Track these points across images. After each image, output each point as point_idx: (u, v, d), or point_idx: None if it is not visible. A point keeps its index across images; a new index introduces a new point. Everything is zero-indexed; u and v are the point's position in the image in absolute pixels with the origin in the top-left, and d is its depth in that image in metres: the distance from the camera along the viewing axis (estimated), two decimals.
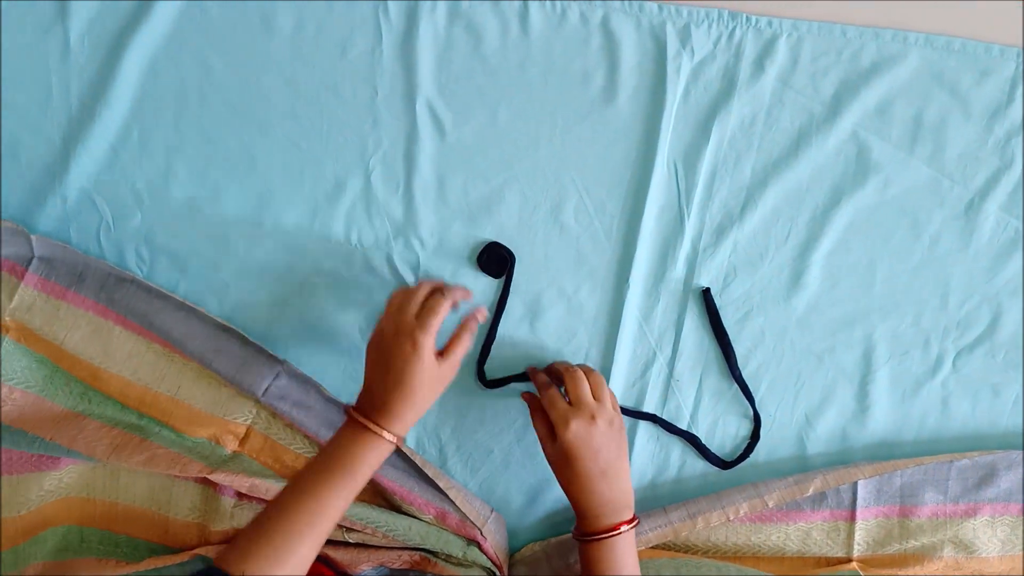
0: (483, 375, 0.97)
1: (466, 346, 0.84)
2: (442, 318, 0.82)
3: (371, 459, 0.80)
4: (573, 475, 0.85)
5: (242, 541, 0.75)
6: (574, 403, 0.86)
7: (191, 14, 0.91)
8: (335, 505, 0.79)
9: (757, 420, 0.97)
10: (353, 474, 0.79)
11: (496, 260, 0.95)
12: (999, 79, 0.90)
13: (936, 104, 0.91)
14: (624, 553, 0.85)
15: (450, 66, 0.91)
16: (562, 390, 0.88)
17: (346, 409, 0.82)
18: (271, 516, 0.77)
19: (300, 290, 0.96)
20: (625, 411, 0.97)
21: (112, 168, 0.94)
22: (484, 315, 0.89)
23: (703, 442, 0.98)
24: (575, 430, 0.84)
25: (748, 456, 0.98)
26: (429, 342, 0.81)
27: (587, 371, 0.90)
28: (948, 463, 0.96)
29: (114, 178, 0.94)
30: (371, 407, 0.81)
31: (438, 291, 0.85)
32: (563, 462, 0.85)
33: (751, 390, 0.97)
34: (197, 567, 0.90)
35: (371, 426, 0.79)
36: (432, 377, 0.81)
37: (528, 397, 0.92)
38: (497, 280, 0.95)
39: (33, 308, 0.91)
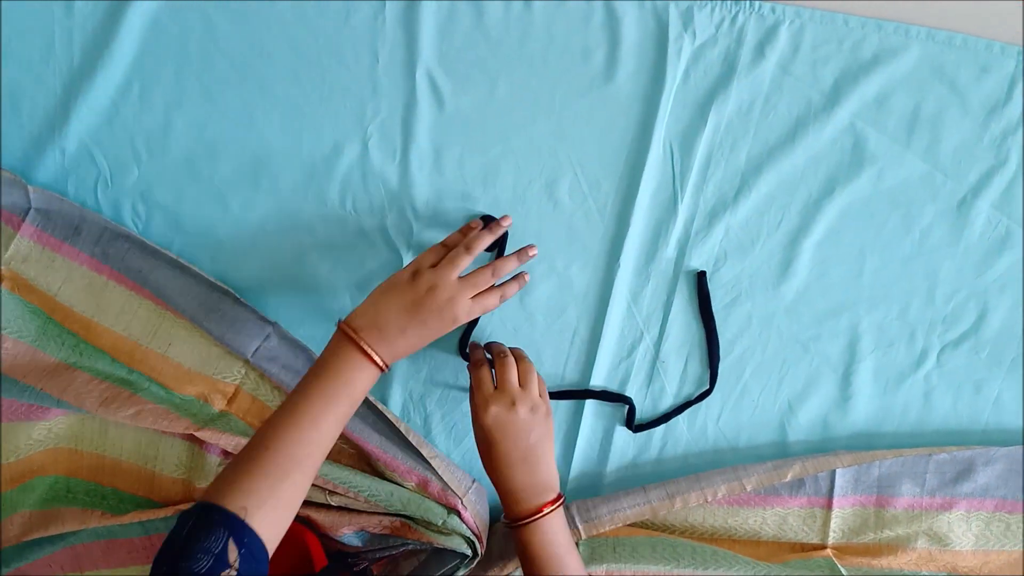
0: (464, 350, 0.98)
1: (488, 306, 0.84)
2: (481, 282, 0.84)
3: (367, 384, 0.81)
4: (493, 458, 0.86)
5: (238, 475, 0.74)
6: (499, 387, 0.87)
7: None
8: (334, 431, 0.79)
9: (701, 397, 0.99)
10: (353, 400, 0.80)
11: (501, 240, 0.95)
12: (999, 76, 0.90)
13: (934, 98, 0.91)
14: (553, 533, 0.85)
15: (452, 37, 0.91)
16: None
17: (341, 326, 0.82)
18: (268, 446, 0.75)
19: (293, 253, 0.97)
20: (557, 394, 0.99)
21: (112, 122, 0.94)
22: (525, 280, 0.90)
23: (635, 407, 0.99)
24: (494, 414, 0.85)
25: (661, 423, 0.99)
26: (467, 307, 0.83)
27: (518, 356, 0.91)
28: (927, 456, 0.97)
29: (113, 132, 0.94)
30: (372, 331, 0.81)
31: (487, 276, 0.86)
32: (484, 445, 0.87)
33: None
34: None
35: (371, 352, 0.79)
36: (448, 326, 0.83)
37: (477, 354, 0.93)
38: (489, 254, 0.95)
39: (28, 259, 0.92)
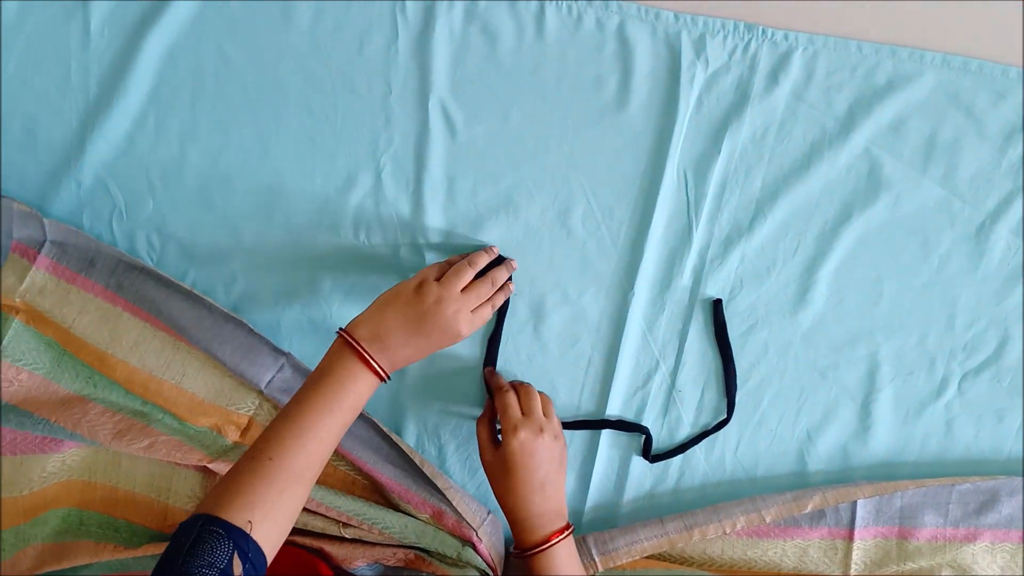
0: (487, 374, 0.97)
1: (484, 317, 0.87)
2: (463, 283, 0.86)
3: (368, 392, 0.81)
4: (511, 484, 0.85)
5: (240, 486, 0.73)
6: (526, 414, 0.87)
7: (211, 4, 0.92)
8: (335, 440, 0.79)
9: (719, 426, 0.97)
10: (355, 409, 0.80)
11: (492, 263, 0.95)
12: (1015, 102, 0.89)
13: (951, 124, 0.90)
14: (564, 562, 0.85)
15: (464, 66, 0.91)
16: None
17: (342, 334, 0.82)
18: (271, 456, 0.74)
19: (306, 284, 0.97)
20: (573, 424, 0.98)
21: (127, 154, 0.95)
22: (511, 290, 0.93)
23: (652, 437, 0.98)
24: (523, 439, 0.85)
25: (678, 453, 0.98)
26: (468, 321, 0.84)
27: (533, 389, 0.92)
28: (949, 486, 0.95)
29: (128, 164, 0.95)
30: (373, 341, 0.81)
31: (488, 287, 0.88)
32: (503, 470, 0.86)
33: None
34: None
35: (373, 361, 0.80)
36: (447, 341, 0.84)
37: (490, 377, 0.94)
38: None
39: (44, 291, 0.92)
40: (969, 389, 0.96)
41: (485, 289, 0.87)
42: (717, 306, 0.94)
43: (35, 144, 0.94)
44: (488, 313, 0.87)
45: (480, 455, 0.89)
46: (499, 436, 0.90)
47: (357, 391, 0.80)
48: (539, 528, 0.85)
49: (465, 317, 0.84)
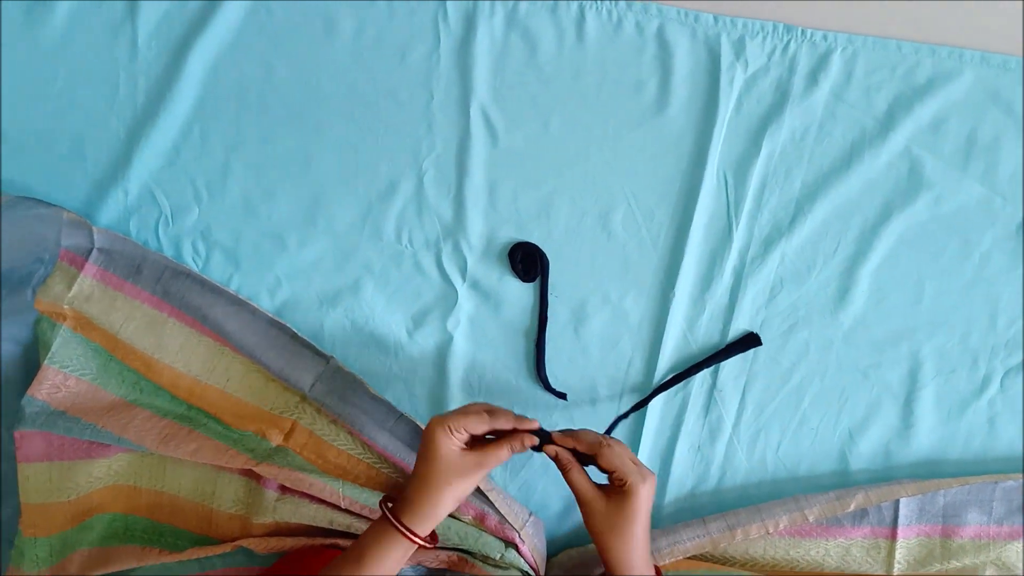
0: (546, 380, 0.98)
1: (501, 456, 0.81)
2: (471, 422, 0.80)
3: (399, 556, 0.80)
4: (630, 533, 0.82)
5: None
6: (637, 465, 0.83)
7: (255, 17, 0.93)
8: None
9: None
10: (387, 573, 0.80)
11: (528, 260, 0.96)
12: None
13: (990, 122, 0.90)
14: None
15: (505, 72, 0.92)
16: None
17: (381, 504, 0.82)
18: None
19: (349, 288, 0.98)
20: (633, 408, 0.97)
21: (173, 164, 0.96)
22: (533, 441, 0.83)
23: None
24: (651, 488, 0.82)
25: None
26: (441, 435, 0.80)
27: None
28: (993, 484, 0.95)
29: (174, 174, 0.96)
30: (401, 503, 0.81)
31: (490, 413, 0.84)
32: (624, 520, 0.82)
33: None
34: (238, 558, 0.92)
35: (399, 527, 0.79)
36: (449, 468, 0.80)
37: (559, 452, 0.84)
38: (534, 284, 0.96)
39: (91, 298, 0.93)
40: (1011, 386, 0.96)
41: (474, 408, 0.83)
42: (752, 339, 0.96)
43: (83, 154, 0.96)
44: (505, 454, 0.82)
45: (586, 507, 0.82)
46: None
47: (389, 555, 0.80)
48: (642, 569, 0.83)
49: (438, 430, 0.80)
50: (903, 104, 0.90)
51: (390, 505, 0.81)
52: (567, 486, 0.83)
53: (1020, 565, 0.95)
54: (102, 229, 0.94)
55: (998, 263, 0.93)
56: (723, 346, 0.97)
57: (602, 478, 0.83)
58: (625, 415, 0.97)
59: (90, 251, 0.93)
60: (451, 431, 0.80)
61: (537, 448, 0.84)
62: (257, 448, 0.94)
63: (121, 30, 0.94)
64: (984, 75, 0.89)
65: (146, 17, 0.93)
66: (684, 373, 0.96)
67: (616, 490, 0.81)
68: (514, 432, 0.83)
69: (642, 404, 0.97)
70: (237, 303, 0.95)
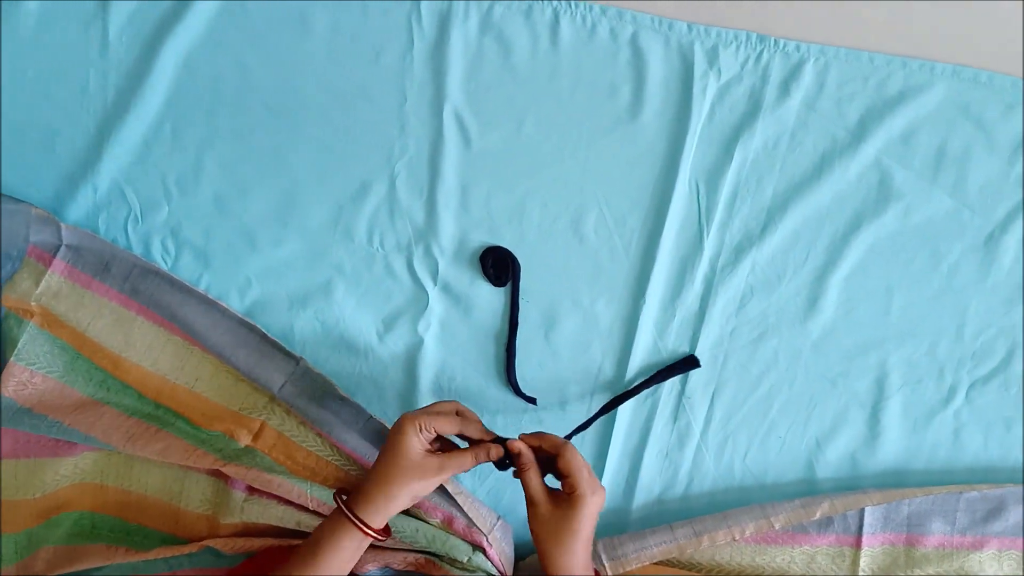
0: (516, 384, 0.98)
1: (464, 464, 0.82)
2: (441, 423, 0.81)
3: (353, 548, 0.81)
4: (570, 542, 0.82)
5: None
6: (590, 474, 0.83)
7: (229, 13, 0.92)
8: None
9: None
10: (340, 566, 0.81)
11: (500, 264, 0.95)
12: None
13: (961, 135, 0.91)
14: None
15: (479, 75, 0.92)
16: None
17: (335, 495, 0.82)
18: None
19: (321, 290, 0.97)
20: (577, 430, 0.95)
21: (143, 160, 0.95)
22: (499, 453, 0.84)
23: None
24: (600, 500, 0.82)
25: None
26: (410, 430, 0.80)
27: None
28: (957, 494, 0.95)
29: (145, 170, 0.95)
30: (355, 494, 0.82)
31: (459, 413, 0.85)
32: (567, 528, 0.82)
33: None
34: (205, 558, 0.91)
35: (351, 518, 0.80)
36: (410, 466, 0.80)
37: (522, 450, 0.84)
38: (505, 288, 0.96)
39: (59, 295, 0.92)
40: (977, 397, 0.97)
41: (443, 408, 0.85)
42: (690, 362, 0.96)
43: (53, 149, 0.95)
44: (468, 461, 0.82)
45: (533, 508, 0.82)
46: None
47: (343, 545, 0.81)
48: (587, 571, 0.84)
49: (406, 421, 0.81)
50: (874, 115, 0.91)
51: (344, 497, 0.81)
52: None
53: (982, 575, 0.95)
54: (70, 226, 0.93)
55: (966, 274, 0.94)
56: (667, 364, 0.97)
57: (556, 484, 0.83)
58: (570, 435, 0.94)
59: (58, 248, 0.92)
60: (421, 428, 0.80)
61: (500, 465, 0.85)
62: (225, 448, 0.93)
63: (92, 25, 0.92)
64: (955, 88, 0.90)
65: (117, 12, 0.92)
66: (622, 396, 0.96)
67: (565, 498, 0.82)
68: (480, 442, 0.84)
69: (583, 427, 0.95)
70: (207, 302, 0.94)
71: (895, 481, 0.98)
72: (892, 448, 0.98)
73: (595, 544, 0.96)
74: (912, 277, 0.94)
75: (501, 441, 0.84)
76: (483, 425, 0.86)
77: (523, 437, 0.84)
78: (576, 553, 0.82)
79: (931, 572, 0.96)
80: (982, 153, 0.91)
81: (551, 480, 0.84)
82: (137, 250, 0.97)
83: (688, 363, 0.97)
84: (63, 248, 0.92)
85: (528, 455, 0.83)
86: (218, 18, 0.93)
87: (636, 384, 0.96)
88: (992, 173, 0.92)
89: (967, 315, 0.95)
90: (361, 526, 0.80)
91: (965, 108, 0.90)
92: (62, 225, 0.92)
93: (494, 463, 0.84)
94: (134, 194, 0.96)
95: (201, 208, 0.96)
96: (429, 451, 0.82)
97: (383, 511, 0.81)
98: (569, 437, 0.93)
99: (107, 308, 0.93)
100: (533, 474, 0.83)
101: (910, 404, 0.97)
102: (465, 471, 0.83)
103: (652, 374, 0.96)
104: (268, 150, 0.95)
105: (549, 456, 0.84)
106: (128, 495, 0.97)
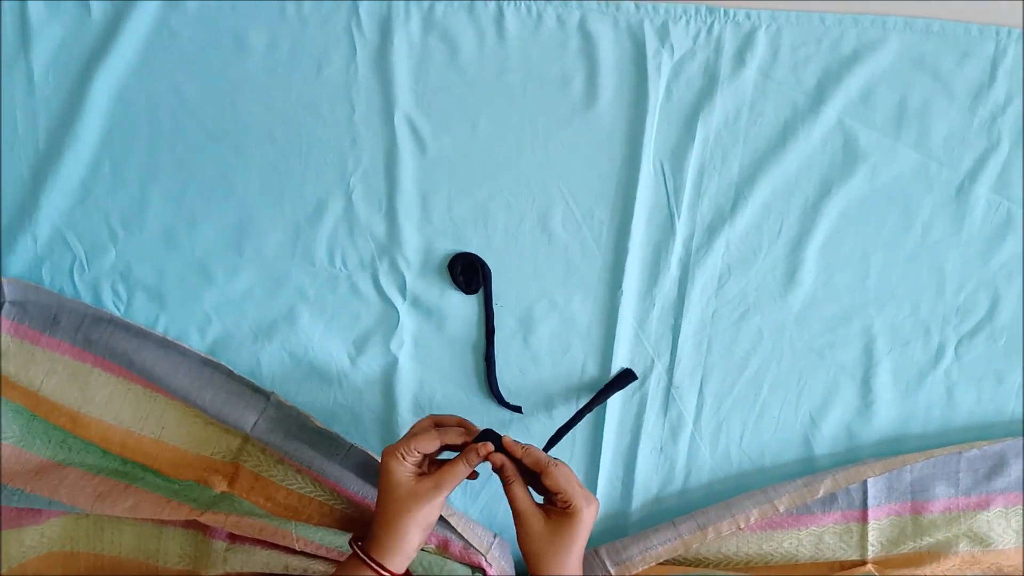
0: (499, 394, 0.95)
1: (458, 475, 0.79)
2: (421, 442, 0.79)
3: None
4: (566, 556, 0.79)
5: None
6: (581, 485, 0.81)
7: (158, 38, 0.90)
8: None
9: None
10: None
11: (469, 271, 0.93)
12: (980, 60, 0.90)
13: (919, 88, 0.90)
14: None
15: (427, 77, 0.90)
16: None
17: (351, 543, 0.80)
18: None
19: (285, 318, 0.94)
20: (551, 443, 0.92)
21: (84, 203, 0.92)
22: (488, 449, 0.80)
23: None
24: (594, 514, 0.80)
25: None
26: (393, 463, 0.78)
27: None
28: (957, 455, 0.94)
29: (86, 213, 0.92)
30: (368, 539, 0.79)
31: (438, 424, 0.83)
32: (562, 542, 0.79)
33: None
34: None
35: (372, 565, 0.77)
36: (407, 495, 0.78)
37: (504, 464, 0.81)
38: (477, 295, 0.94)
39: (7, 355, 0.90)
40: (966, 353, 0.95)
41: (421, 426, 0.83)
42: (627, 375, 0.94)
43: None
44: (462, 469, 0.80)
45: (525, 525, 0.79)
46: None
47: None
48: None
49: (391, 455, 0.79)
50: (831, 77, 0.90)
51: (359, 543, 0.79)
52: None
53: (992, 535, 0.94)
54: (12, 279, 0.89)
55: (940, 230, 0.93)
56: (609, 380, 0.95)
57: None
58: (546, 448, 0.91)
59: (1, 305, 0.89)
60: (403, 457, 0.78)
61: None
62: (200, 497, 0.89)
63: (14, 65, 0.89)
64: (908, 41, 0.89)
65: (40, 48, 0.89)
66: (571, 421, 0.92)
67: (558, 512, 0.79)
68: (467, 446, 0.81)
69: (552, 443, 0.92)
70: (165, 345, 0.91)
71: (893, 449, 0.97)
72: (886, 415, 0.96)
73: (598, 550, 0.94)
74: (887, 239, 0.93)
75: (491, 436, 0.81)
76: (465, 425, 0.83)
77: (507, 445, 0.81)
78: (569, 566, 0.80)
79: (940, 537, 0.94)
80: (942, 104, 0.91)
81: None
82: (86, 298, 0.93)
83: (626, 377, 0.94)
84: (6, 305, 0.89)
85: (510, 468, 0.81)
86: (148, 45, 0.90)
87: (577, 411, 0.92)
88: (954, 123, 0.91)
89: (946, 271, 0.94)
90: (382, 572, 0.77)
91: (920, 60, 0.90)
92: (3, 280, 0.89)
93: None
94: (77, 239, 0.92)
95: (150, 246, 0.93)
96: (421, 474, 0.79)
97: (399, 552, 0.78)
98: (547, 449, 0.90)
99: (60, 363, 0.91)
100: (518, 487, 0.81)
101: (899, 368, 0.95)
102: (463, 479, 0.80)
103: (592, 396, 0.94)
104: (214, 177, 0.92)
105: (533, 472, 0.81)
106: (101, 559, 0.93)
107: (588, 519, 0.79)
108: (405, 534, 0.78)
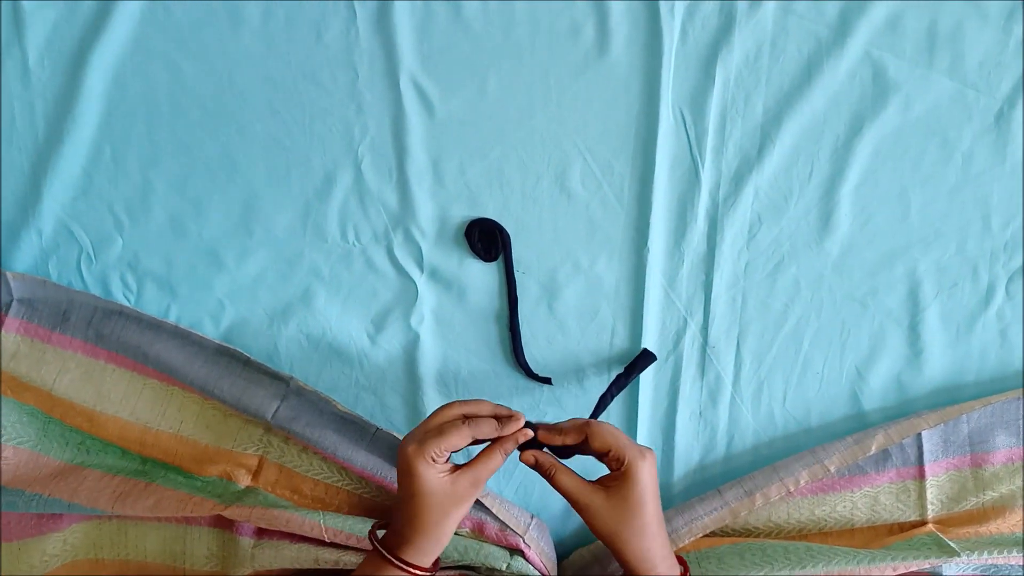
0: (527, 366, 0.91)
1: (494, 465, 0.74)
2: (451, 441, 0.72)
3: None
4: (641, 523, 0.74)
5: None
6: (632, 443, 0.76)
7: (153, 17, 0.87)
8: None
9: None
10: None
11: (488, 237, 0.90)
12: None
13: (949, 11, 0.86)
14: None
15: (431, 37, 0.87)
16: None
17: (370, 537, 0.76)
18: None
19: (300, 300, 0.91)
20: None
21: (87, 192, 0.90)
22: (527, 436, 0.75)
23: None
24: (652, 466, 0.75)
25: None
26: (423, 467, 0.71)
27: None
28: (1016, 400, 0.89)
29: (90, 203, 0.90)
30: (395, 536, 0.75)
31: (467, 418, 0.75)
32: (631, 508, 0.74)
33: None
34: None
35: (400, 565, 0.73)
36: (444, 498, 0.72)
37: (538, 458, 0.77)
38: (497, 262, 0.91)
39: (17, 355, 0.88)
40: (1017, 292, 0.91)
41: (445, 415, 0.75)
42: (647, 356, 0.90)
43: None
44: (498, 460, 0.75)
45: (587, 508, 0.75)
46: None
47: None
48: (665, 567, 0.75)
49: (419, 457, 0.72)
50: (854, 6, 0.86)
51: (380, 535, 0.76)
52: None
53: None
54: (19, 275, 0.87)
55: (982, 160, 0.88)
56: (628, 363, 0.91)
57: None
58: (597, 410, 0.87)
59: (9, 304, 0.87)
60: (433, 460, 0.72)
61: (530, 443, 0.76)
62: (224, 493, 0.87)
63: (8, 53, 0.87)
64: None
65: (34, 33, 0.87)
66: (599, 405, 0.88)
67: (615, 477, 0.74)
68: (498, 440, 0.75)
69: (598, 410, 0.87)
70: (179, 335, 0.89)
71: (948, 399, 0.92)
72: (938, 363, 0.92)
73: None
74: (926, 174, 0.89)
75: (529, 427, 0.76)
76: (493, 411, 0.76)
77: (541, 437, 0.76)
78: (651, 533, 0.74)
79: (1004, 490, 0.89)
80: (975, 26, 0.86)
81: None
82: (95, 291, 0.91)
83: (645, 358, 0.90)
84: (14, 303, 0.88)
85: (546, 460, 0.76)
86: (141, 25, 0.87)
87: (601, 396, 0.88)
88: (989, 46, 0.86)
89: (991, 204, 0.89)
90: (412, 571, 0.73)
91: None
92: (10, 276, 0.87)
93: (553, 450, 0.77)
94: (83, 231, 0.91)
95: (157, 234, 0.91)
96: (454, 471, 0.74)
97: (434, 551, 0.74)
98: (595, 416, 0.86)
99: (72, 361, 0.89)
100: (563, 475, 0.76)
101: (948, 312, 0.91)
102: (499, 468, 0.75)
103: (611, 382, 0.89)
104: (217, 157, 0.90)
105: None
106: (127, 565, 0.90)
107: (647, 473, 0.74)
108: (443, 535, 0.74)
